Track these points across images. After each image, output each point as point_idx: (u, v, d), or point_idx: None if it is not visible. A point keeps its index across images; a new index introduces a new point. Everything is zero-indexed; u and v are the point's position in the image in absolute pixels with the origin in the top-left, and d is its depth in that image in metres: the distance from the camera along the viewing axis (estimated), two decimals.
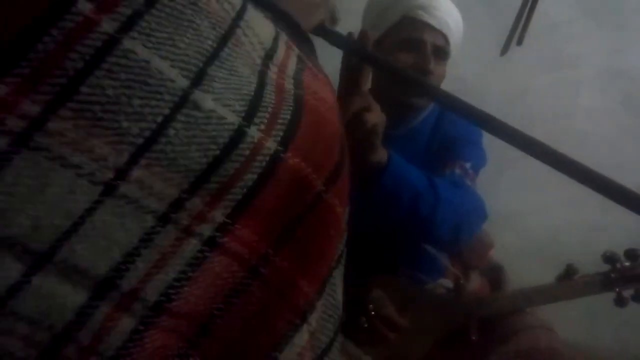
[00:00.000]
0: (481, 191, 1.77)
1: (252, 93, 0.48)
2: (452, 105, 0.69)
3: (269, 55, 0.53)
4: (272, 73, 0.52)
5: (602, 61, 2.07)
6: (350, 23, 0.86)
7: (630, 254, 1.33)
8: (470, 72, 1.53)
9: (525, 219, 2.06)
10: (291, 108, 0.50)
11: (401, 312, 1.43)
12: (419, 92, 1.35)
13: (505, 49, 1.92)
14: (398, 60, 1.42)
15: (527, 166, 1.60)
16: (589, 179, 0.68)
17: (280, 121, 0.49)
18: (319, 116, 0.54)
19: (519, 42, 1.96)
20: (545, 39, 1.97)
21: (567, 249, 1.90)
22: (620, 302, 1.34)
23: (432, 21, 1.42)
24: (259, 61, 0.51)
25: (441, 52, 1.45)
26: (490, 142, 1.66)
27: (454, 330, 1.46)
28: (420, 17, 1.42)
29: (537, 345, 1.32)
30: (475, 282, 1.56)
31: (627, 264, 1.34)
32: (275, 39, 0.55)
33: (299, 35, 0.63)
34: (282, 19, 0.60)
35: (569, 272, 1.37)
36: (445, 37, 1.45)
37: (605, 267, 1.35)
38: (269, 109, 0.48)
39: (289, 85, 0.53)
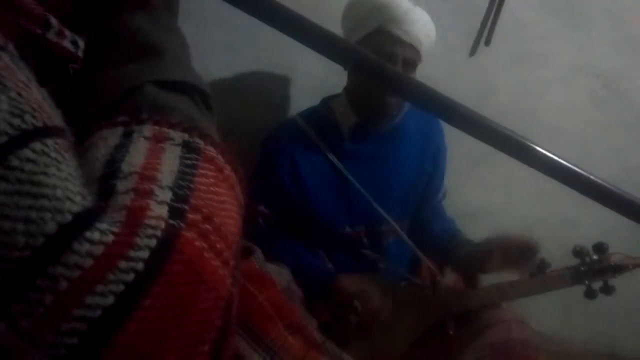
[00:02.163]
0: (453, 188, 1.80)
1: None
2: (429, 103, 0.69)
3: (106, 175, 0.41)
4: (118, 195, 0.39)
5: (568, 59, 2.10)
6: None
7: (598, 247, 1.37)
8: (440, 72, 1.55)
9: (496, 215, 2.09)
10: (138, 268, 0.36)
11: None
12: (395, 91, 1.40)
13: (473, 50, 1.95)
14: None
15: (497, 162, 1.63)
16: (565, 176, 0.70)
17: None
18: (195, 276, 0.38)
19: (487, 43, 1.98)
20: (512, 38, 2.00)
21: (540, 245, 1.93)
22: (590, 294, 1.38)
23: (404, 36, 1.48)
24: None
25: (410, 63, 1.52)
26: (460, 139, 1.69)
27: (432, 325, 1.48)
28: (393, 31, 1.47)
29: (510, 338, 1.34)
30: (450, 278, 1.58)
31: (595, 257, 1.37)
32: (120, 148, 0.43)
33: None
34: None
35: (541, 267, 1.40)
36: (416, 50, 1.51)
37: (575, 261, 1.39)
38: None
39: (156, 209, 0.38)
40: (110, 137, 0.45)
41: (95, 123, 0.48)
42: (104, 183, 0.40)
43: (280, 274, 1.39)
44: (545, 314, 1.92)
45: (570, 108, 2.14)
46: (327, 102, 1.70)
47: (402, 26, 1.47)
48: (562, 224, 2.14)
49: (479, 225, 1.81)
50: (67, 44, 0.66)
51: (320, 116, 1.65)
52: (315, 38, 0.64)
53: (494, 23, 1.93)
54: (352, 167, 1.59)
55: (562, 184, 0.70)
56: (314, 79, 1.91)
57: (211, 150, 0.47)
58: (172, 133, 0.46)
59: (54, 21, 0.64)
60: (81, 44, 0.68)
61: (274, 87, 1.93)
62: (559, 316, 2.09)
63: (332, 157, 1.57)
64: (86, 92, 0.54)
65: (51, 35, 0.63)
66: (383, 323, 1.44)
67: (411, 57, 1.50)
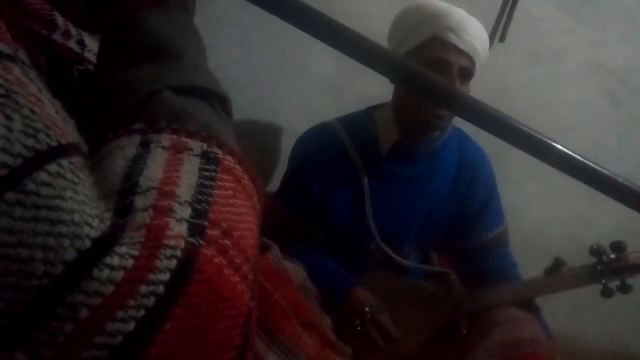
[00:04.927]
0: None
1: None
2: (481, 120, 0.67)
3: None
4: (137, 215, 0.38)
5: (582, 55, 2.10)
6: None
7: (615, 246, 1.36)
8: None
9: (512, 213, 2.07)
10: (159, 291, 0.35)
11: (394, 310, 1.45)
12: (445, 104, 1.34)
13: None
14: None
15: (513, 159, 1.62)
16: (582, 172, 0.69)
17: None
18: (215, 295, 0.38)
19: (502, 39, 1.98)
20: (527, 35, 2.00)
21: (554, 242, 1.92)
22: (606, 293, 1.37)
23: (460, 44, 1.40)
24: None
25: (466, 74, 1.44)
26: (474, 135, 1.68)
27: (444, 324, 1.48)
28: (449, 39, 1.40)
29: (521, 336, 1.33)
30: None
31: (612, 256, 1.36)
32: (135, 161, 0.42)
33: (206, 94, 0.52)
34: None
35: (556, 265, 1.39)
36: (471, 59, 1.43)
37: (592, 260, 1.38)
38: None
39: (175, 227, 0.38)
40: (128, 147, 0.44)
41: (112, 130, 0.47)
42: (122, 198, 0.40)
43: (296, 272, 1.39)
44: (557, 311, 1.91)
45: (585, 104, 2.13)
46: (370, 112, 1.61)
47: (457, 33, 1.40)
48: (579, 222, 2.13)
49: None
50: (72, 44, 0.65)
51: (361, 127, 1.57)
52: (364, 51, 0.62)
53: (508, 19, 1.92)
54: (383, 185, 1.54)
55: (578, 181, 0.69)
56: (326, 76, 1.91)
57: (229, 160, 0.46)
58: (191, 142, 0.45)
59: (60, 21, 0.62)
60: (88, 43, 0.66)
61: (285, 83, 1.93)
62: (571, 314, 2.07)
63: (362, 173, 1.52)
64: (101, 96, 0.53)
65: (56, 36, 0.62)
66: (395, 322, 1.44)
67: (466, 66, 1.42)
